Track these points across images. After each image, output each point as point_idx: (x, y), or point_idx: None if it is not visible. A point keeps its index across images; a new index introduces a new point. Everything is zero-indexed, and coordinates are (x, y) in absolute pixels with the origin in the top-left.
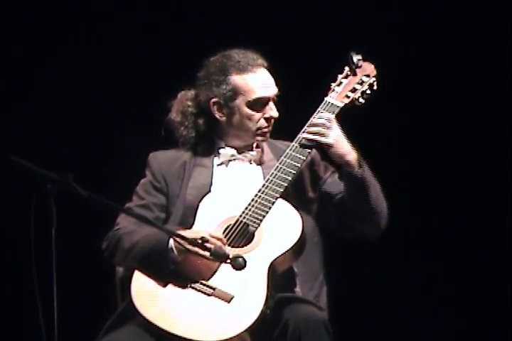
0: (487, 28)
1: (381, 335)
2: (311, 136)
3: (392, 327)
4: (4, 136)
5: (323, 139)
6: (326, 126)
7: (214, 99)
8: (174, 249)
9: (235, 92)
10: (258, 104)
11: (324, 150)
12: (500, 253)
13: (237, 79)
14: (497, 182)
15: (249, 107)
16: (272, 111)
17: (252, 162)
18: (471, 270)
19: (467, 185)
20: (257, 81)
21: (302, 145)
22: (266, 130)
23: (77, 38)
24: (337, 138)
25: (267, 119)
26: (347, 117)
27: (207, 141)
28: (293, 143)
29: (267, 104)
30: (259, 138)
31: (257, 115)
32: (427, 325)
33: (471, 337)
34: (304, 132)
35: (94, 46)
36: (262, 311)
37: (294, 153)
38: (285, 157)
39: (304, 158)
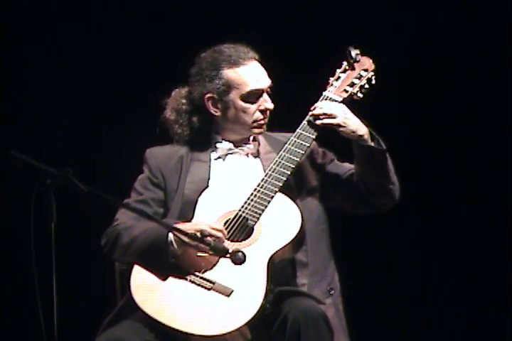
0: (488, 17)
1: (393, 320)
2: (317, 121)
3: (404, 311)
4: (4, 130)
5: (330, 120)
6: (328, 108)
7: (208, 95)
8: (174, 242)
9: (229, 86)
10: (252, 97)
11: (335, 130)
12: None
13: (229, 73)
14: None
15: (243, 100)
16: (266, 103)
17: (249, 155)
18: (478, 255)
19: (477, 174)
20: (250, 73)
21: (309, 128)
22: (262, 122)
23: (74, 35)
24: (344, 116)
25: (262, 111)
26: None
27: (203, 135)
28: (292, 138)
29: (261, 96)
30: (256, 130)
31: (252, 108)
32: (437, 309)
33: (477, 324)
34: (308, 117)
35: (90, 43)
36: (261, 305)
37: (293, 148)
38: (284, 151)
39: (303, 152)
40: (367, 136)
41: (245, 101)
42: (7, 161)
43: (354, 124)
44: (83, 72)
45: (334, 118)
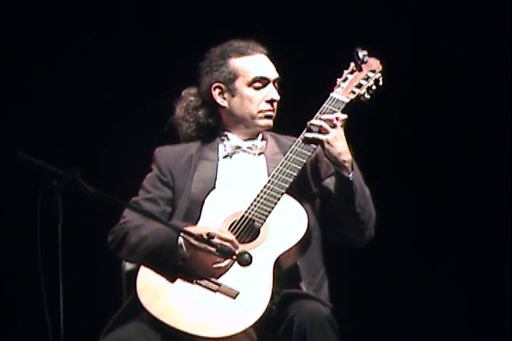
0: (491, 22)
1: (383, 330)
2: (310, 135)
3: (395, 321)
4: (10, 131)
5: (320, 136)
6: (331, 123)
7: (215, 84)
8: (183, 245)
9: (235, 74)
10: (257, 84)
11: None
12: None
13: (236, 61)
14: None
15: (248, 87)
16: (272, 93)
17: (256, 154)
18: (473, 268)
19: (473, 186)
20: (256, 62)
21: (304, 140)
22: (269, 113)
23: (80, 32)
24: (336, 136)
25: (268, 102)
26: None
27: (211, 133)
28: (299, 139)
29: (266, 85)
30: (263, 122)
31: (258, 96)
32: (429, 319)
33: (473, 337)
34: (308, 125)
35: (96, 43)
36: (267, 307)
37: (299, 149)
38: (291, 152)
39: (310, 153)
40: (348, 165)
41: (250, 89)
42: (14, 162)
43: (341, 148)
44: (90, 72)
45: (325, 133)
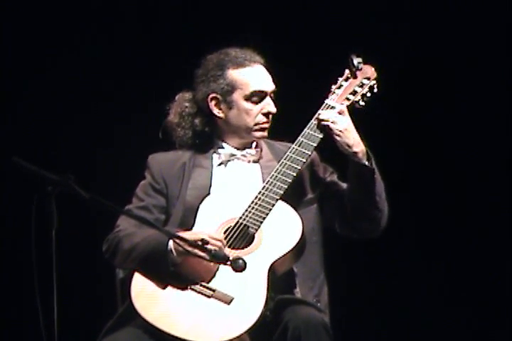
0: (488, 25)
1: (383, 335)
2: (323, 121)
3: (395, 326)
4: (5, 136)
5: (332, 125)
6: (334, 115)
7: (212, 95)
8: (174, 250)
9: (233, 86)
10: (255, 98)
11: (332, 139)
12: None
13: (234, 73)
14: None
15: (246, 101)
16: (269, 106)
17: (250, 161)
18: (473, 268)
19: (475, 184)
20: (254, 75)
21: (310, 136)
22: (264, 126)
23: (77, 38)
24: (347, 128)
25: (264, 115)
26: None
27: (206, 141)
28: (293, 146)
29: (264, 98)
30: (258, 134)
31: (255, 109)
32: (430, 323)
33: (475, 337)
34: (314, 120)
35: (93, 47)
36: (261, 313)
37: (294, 155)
38: (285, 159)
39: (305, 160)
40: (361, 155)
41: (248, 103)
42: (8, 167)
43: (352, 138)
44: (84, 78)
45: (336, 124)
